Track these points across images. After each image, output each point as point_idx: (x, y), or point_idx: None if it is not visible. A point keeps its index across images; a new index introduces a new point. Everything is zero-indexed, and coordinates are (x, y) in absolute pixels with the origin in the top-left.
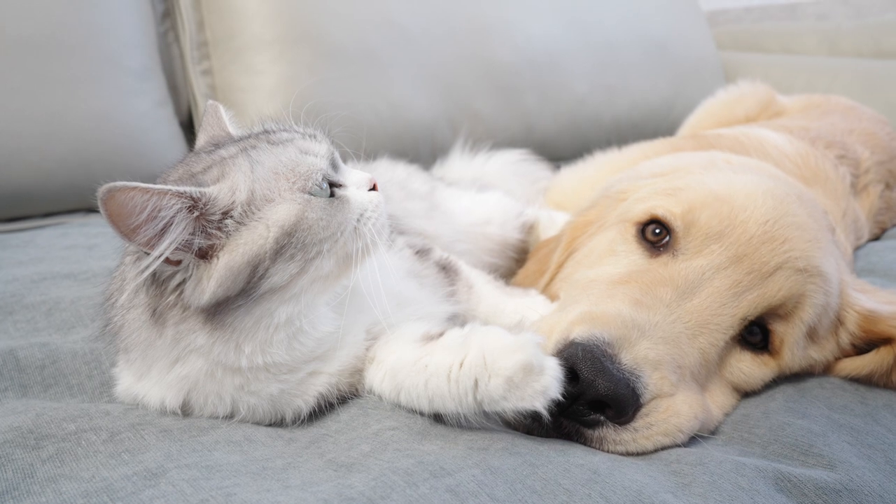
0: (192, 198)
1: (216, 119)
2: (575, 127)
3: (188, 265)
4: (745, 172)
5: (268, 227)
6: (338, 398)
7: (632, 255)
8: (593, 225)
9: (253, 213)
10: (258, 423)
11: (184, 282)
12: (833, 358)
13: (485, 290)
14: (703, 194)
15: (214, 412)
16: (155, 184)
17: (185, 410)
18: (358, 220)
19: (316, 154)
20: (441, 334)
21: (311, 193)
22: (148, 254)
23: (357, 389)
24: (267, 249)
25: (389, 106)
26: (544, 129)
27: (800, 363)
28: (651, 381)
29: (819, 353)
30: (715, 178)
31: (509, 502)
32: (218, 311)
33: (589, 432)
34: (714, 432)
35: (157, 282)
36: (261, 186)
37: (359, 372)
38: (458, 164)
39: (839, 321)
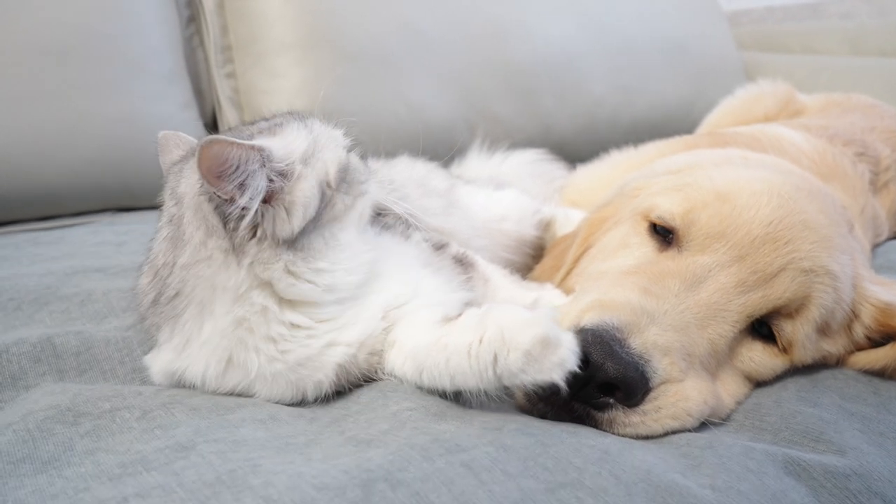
0: (262, 150)
1: (176, 140)
2: (592, 128)
3: (266, 209)
4: (756, 168)
5: (326, 164)
6: (359, 377)
7: (643, 247)
8: (609, 221)
9: (314, 156)
10: (280, 402)
11: (259, 223)
12: (847, 350)
13: (501, 284)
14: (705, 192)
15: (247, 375)
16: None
17: (221, 381)
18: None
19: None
20: (459, 316)
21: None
22: (226, 200)
23: (377, 371)
24: (330, 180)
25: (408, 108)
26: (562, 130)
27: (812, 356)
28: (660, 366)
29: (832, 346)
30: (722, 174)
31: (522, 477)
32: (299, 236)
33: (599, 415)
34: (725, 420)
35: (228, 225)
36: (315, 138)
37: (377, 354)
38: (476, 163)
39: (854, 314)
